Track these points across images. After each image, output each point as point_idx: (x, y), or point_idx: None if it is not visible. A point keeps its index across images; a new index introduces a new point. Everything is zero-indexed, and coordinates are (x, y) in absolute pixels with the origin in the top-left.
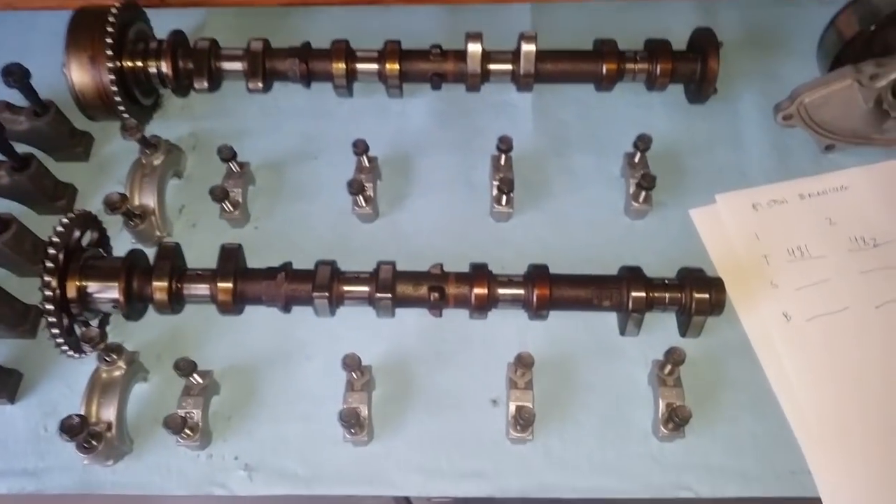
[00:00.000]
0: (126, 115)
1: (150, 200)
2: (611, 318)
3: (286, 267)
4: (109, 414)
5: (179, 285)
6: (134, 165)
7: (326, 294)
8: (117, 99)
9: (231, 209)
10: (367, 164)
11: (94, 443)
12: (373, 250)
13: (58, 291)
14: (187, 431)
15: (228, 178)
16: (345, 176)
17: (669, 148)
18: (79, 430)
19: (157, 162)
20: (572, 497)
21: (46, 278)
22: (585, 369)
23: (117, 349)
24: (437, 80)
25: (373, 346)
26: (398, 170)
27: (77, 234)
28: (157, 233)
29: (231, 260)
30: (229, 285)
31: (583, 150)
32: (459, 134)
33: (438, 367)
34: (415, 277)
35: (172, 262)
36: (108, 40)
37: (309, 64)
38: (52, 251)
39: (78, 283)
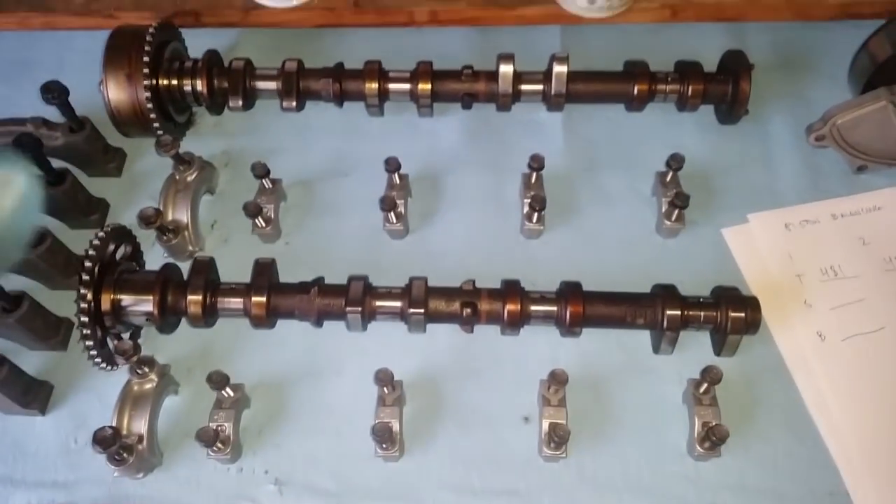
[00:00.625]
0: (160, 132)
1: (184, 216)
2: (643, 337)
3: (319, 282)
4: (140, 426)
5: (213, 299)
6: (167, 181)
7: (359, 309)
8: (152, 116)
9: (263, 225)
10: (398, 182)
11: (125, 455)
12: (403, 267)
13: (92, 304)
14: (219, 445)
15: (261, 194)
16: (376, 193)
17: (700, 167)
18: (111, 443)
19: (190, 178)
20: None
21: (82, 291)
22: (618, 387)
23: (149, 362)
24: (468, 100)
25: (404, 361)
26: (429, 187)
27: (112, 247)
28: (190, 247)
29: (265, 274)
30: (263, 299)
31: (613, 168)
32: (489, 152)
33: (469, 384)
34: (447, 293)
35: (206, 276)
36: (145, 59)
37: (342, 84)
38: (88, 264)
39: (112, 296)
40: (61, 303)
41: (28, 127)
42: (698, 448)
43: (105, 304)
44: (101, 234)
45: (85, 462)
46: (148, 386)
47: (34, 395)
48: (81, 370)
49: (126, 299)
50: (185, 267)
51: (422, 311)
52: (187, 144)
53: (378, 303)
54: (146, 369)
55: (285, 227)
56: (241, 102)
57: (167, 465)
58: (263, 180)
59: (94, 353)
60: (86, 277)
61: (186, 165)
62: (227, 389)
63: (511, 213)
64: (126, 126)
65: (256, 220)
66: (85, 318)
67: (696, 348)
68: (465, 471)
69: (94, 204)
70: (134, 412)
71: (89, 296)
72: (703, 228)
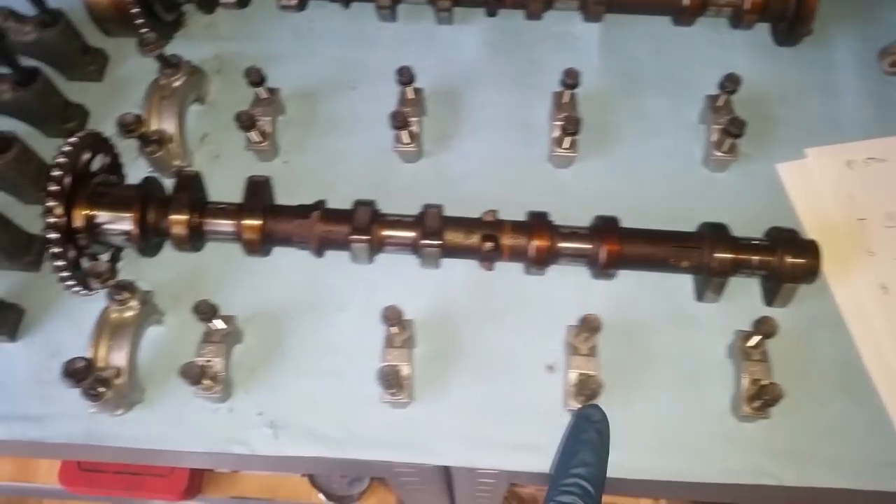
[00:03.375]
0: (144, 30)
1: (170, 126)
2: (685, 282)
3: (320, 205)
4: (120, 358)
5: (200, 219)
6: (151, 86)
7: (366, 237)
8: (134, 11)
9: (259, 140)
10: (411, 97)
11: (101, 389)
12: (415, 193)
13: (63, 219)
14: (207, 381)
15: (256, 105)
16: (386, 109)
17: (754, 94)
18: (84, 375)
19: (177, 83)
20: (637, 478)
21: (50, 203)
22: (655, 337)
23: (129, 287)
24: (493, 5)
25: (414, 298)
26: (446, 105)
27: (87, 157)
28: (177, 162)
29: (259, 194)
30: (257, 222)
31: (656, 91)
32: (515, 67)
33: (487, 327)
34: (465, 224)
35: (193, 193)
36: None
37: None
38: (56, 173)
39: (86, 212)
40: (35, 219)
41: None
42: (745, 407)
43: (78, 219)
44: (72, 140)
45: (59, 395)
46: (128, 314)
47: (2, 318)
48: (57, 295)
49: (102, 215)
50: (170, 185)
51: (437, 243)
52: (175, 48)
53: (387, 232)
54: (126, 294)
55: (283, 144)
56: None
57: (150, 402)
58: (259, 89)
59: (64, 274)
60: (54, 188)
61: (173, 69)
62: (217, 321)
63: (538, 137)
64: (105, 21)
65: (251, 134)
66: (54, 235)
67: (743, 296)
68: (481, 421)
69: (72, 110)
70: (112, 343)
71: (59, 209)
72: (755, 163)
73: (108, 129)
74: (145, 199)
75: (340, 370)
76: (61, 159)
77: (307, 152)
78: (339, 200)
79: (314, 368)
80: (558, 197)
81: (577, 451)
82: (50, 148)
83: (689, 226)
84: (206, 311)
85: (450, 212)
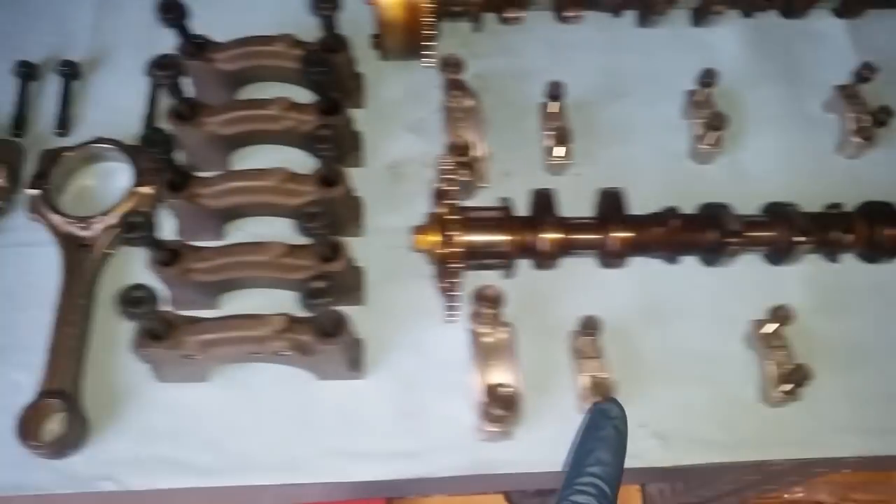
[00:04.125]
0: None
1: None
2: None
3: (673, 212)
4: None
5: (567, 235)
6: (445, 111)
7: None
8: (431, 33)
9: (563, 154)
10: (702, 99)
11: (499, 413)
12: (714, 196)
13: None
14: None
15: (549, 119)
16: (663, 113)
17: None
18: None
19: (468, 104)
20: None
21: (450, 232)
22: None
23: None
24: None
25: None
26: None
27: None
28: (481, 183)
29: (615, 205)
30: (626, 234)
31: None
32: (778, 65)
33: None
34: None
35: (553, 210)
36: None
37: None
38: (448, 200)
39: (471, 237)
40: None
41: (276, 45)
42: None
43: (457, 246)
44: (448, 166)
45: (423, 428)
46: (502, 336)
47: (353, 356)
48: (382, 326)
49: (479, 239)
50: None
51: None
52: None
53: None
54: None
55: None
56: (521, 13)
57: (528, 426)
58: (554, 103)
59: (455, 302)
60: (451, 216)
61: (462, 91)
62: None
63: (820, 130)
64: (394, 45)
65: (558, 149)
66: (456, 264)
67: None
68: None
69: (352, 137)
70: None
71: (456, 237)
72: None
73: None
74: (510, 220)
75: (710, 376)
76: (446, 180)
77: (597, 163)
78: (639, 207)
79: (682, 376)
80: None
81: (594, 448)
82: None
83: None
84: (591, 325)
85: (744, 210)
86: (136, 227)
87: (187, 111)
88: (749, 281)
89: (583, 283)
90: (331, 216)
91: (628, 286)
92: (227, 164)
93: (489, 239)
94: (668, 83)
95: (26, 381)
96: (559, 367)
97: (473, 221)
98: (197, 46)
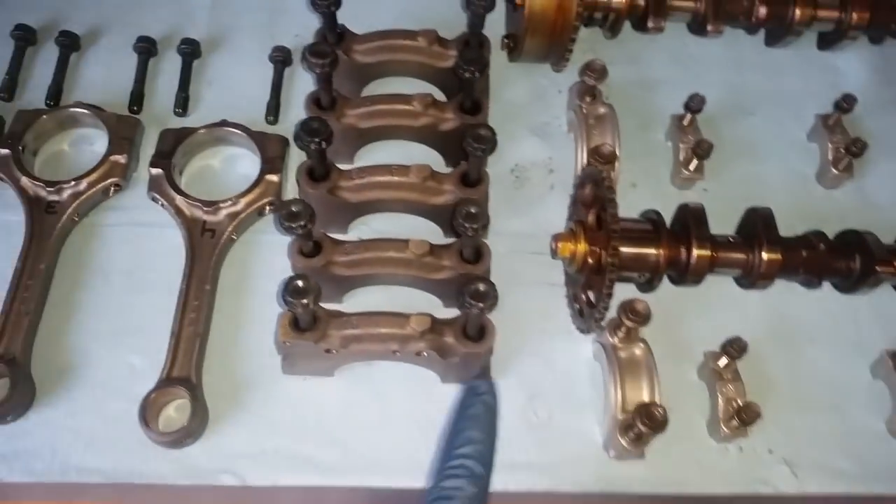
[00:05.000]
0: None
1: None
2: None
3: (820, 236)
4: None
5: (717, 253)
6: (577, 118)
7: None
8: (573, 37)
9: (690, 169)
10: (830, 124)
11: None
12: (840, 220)
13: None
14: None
15: (685, 131)
16: (789, 134)
17: None
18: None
19: (602, 111)
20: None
21: (616, 244)
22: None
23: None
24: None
25: None
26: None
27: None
28: None
29: (765, 225)
30: (775, 256)
31: None
32: None
33: None
34: None
35: (704, 226)
36: None
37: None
38: (613, 210)
39: (624, 248)
40: None
41: (419, 40)
42: None
43: (604, 257)
44: (600, 175)
45: (555, 439)
46: (638, 351)
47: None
48: (515, 335)
49: (629, 251)
50: None
51: None
52: (558, 77)
53: None
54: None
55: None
56: (662, 23)
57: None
58: (690, 115)
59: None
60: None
61: (593, 98)
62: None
63: None
64: (537, 46)
65: (694, 163)
66: (613, 275)
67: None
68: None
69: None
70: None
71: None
72: None
73: (504, 158)
74: (662, 233)
75: (836, 404)
76: (610, 195)
77: (724, 179)
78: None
79: (810, 402)
80: None
81: (464, 427)
82: None
83: None
84: (738, 347)
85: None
86: (297, 217)
87: (329, 102)
88: (882, 310)
89: (717, 303)
90: (487, 217)
91: (761, 308)
92: (353, 159)
93: (640, 251)
94: (793, 104)
95: (143, 365)
96: (689, 387)
97: (626, 233)
98: (339, 36)
